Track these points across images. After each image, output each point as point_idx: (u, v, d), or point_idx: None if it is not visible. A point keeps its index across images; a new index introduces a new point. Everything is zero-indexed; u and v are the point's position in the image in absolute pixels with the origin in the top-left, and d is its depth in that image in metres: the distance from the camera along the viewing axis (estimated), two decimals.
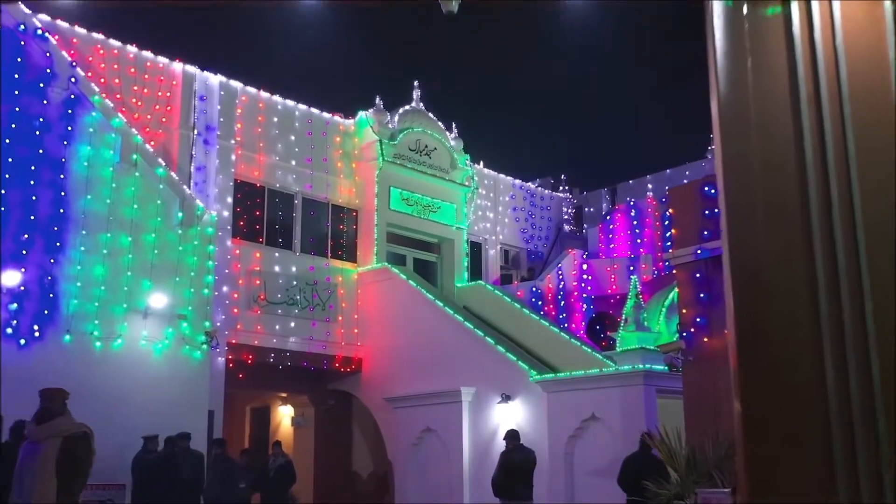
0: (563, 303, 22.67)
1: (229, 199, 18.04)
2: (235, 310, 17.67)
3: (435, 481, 16.97)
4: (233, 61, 36.08)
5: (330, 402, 20.30)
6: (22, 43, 14.72)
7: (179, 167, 17.21)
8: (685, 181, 19.62)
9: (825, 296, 2.50)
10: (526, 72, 49.31)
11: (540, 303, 22.02)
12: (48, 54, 14.94)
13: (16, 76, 14.48)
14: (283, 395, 21.37)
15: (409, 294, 19.12)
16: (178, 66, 17.87)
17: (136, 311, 15.05)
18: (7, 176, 14.01)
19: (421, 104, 22.22)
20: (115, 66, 16.92)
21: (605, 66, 48.10)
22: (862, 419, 2.36)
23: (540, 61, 48.22)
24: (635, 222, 24.38)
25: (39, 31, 15.03)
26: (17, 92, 14.41)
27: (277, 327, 18.39)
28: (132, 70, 17.16)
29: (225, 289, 17.37)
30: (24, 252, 14.01)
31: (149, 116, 17.17)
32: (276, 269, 18.67)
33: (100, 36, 16.88)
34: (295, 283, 18.85)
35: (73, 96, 15.04)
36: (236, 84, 18.76)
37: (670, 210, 13.03)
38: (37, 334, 13.93)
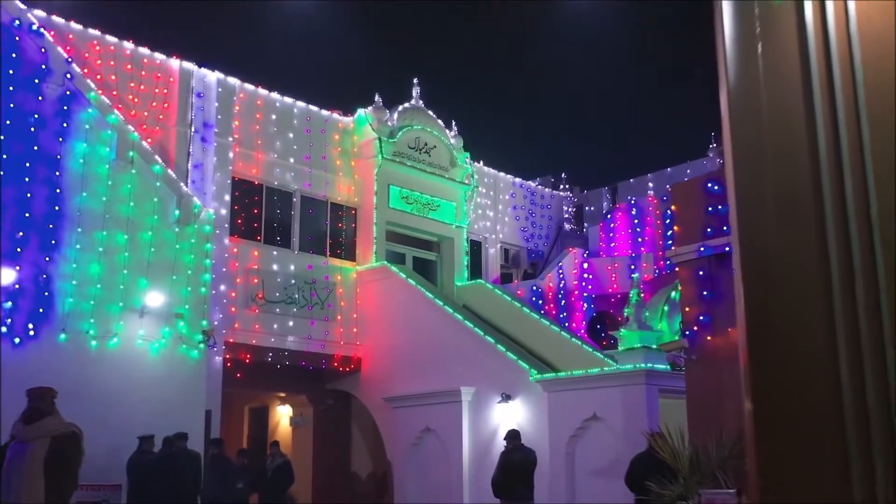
0: (563, 302, 22.56)
1: (227, 197, 17.91)
2: (233, 309, 17.54)
3: (434, 482, 16.88)
4: (231, 58, 35.97)
5: (329, 401, 20.19)
6: (17, 39, 14.58)
7: (177, 165, 17.08)
8: (686, 179, 19.48)
9: (839, 289, 2.41)
10: (526, 70, 49.19)
11: (540, 302, 21.91)
12: (43, 50, 14.81)
13: (10, 72, 14.35)
14: (282, 394, 21.26)
15: (409, 293, 19.01)
16: (175, 63, 17.74)
17: (132, 309, 14.93)
18: (2, 173, 13.88)
19: (420, 102, 22.10)
20: (112, 63, 16.78)
21: (605, 64, 47.98)
22: (878, 417, 2.29)
23: (540, 59, 48.10)
24: (636, 221, 24.26)
25: (35, 27, 14.90)
26: (11, 88, 14.29)
27: (275, 326, 18.26)
28: (129, 66, 17.02)
29: (222, 287, 17.24)
30: (18, 250, 13.90)
31: (145, 113, 17.03)
32: (275, 267, 18.55)
33: (96, 32, 16.75)
34: (293, 281, 18.73)
35: (68, 92, 14.91)
36: (234, 81, 18.62)
37: (673, 207, 12.87)
38: (31, 333, 13.81)
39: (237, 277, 17.78)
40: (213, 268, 16.52)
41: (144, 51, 17.35)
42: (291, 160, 19.38)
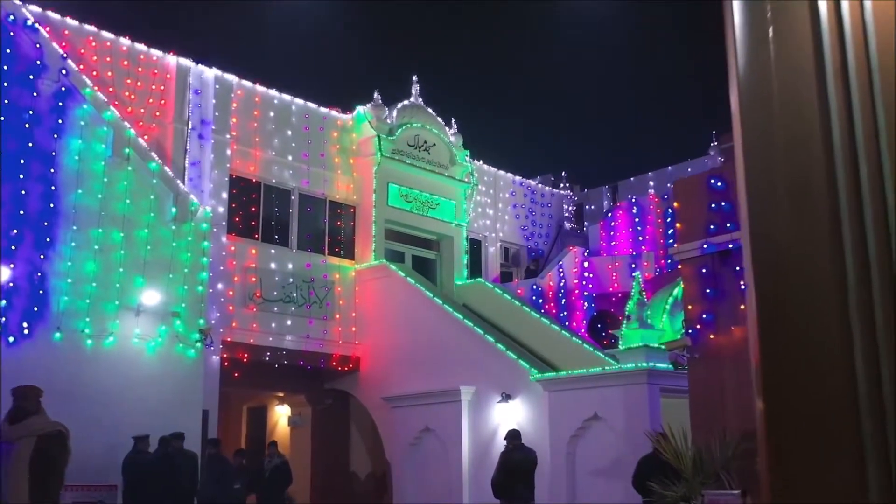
0: (563, 301, 22.43)
1: (224, 195, 17.78)
2: (230, 307, 17.42)
3: (434, 482, 16.79)
4: (228, 55, 35.91)
5: (327, 401, 20.08)
6: (11, 34, 14.43)
7: (173, 162, 16.94)
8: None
9: (854, 281, 2.27)
10: (526, 68, 49.09)
11: (540, 301, 21.78)
12: (38, 46, 14.66)
13: (5, 68, 14.20)
14: (280, 394, 21.13)
15: (408, 292, 18.90)
16: (172, 59, 17.60)
17: (128, 308, 14.79)
18: None
19: (420, 99, 21.96)
20: (108, 59, 16.64)
21: (606, 62, 47.87)
22: (895, 413, 2.12)
23: (541, 57, 47.99)
24: (637, 219, 24.14)
25: (29, 22, 14.74)
26: (6, 84, 14.13)
27: (273, 325, 18.13)
28: (125, 63, 16.88)
29: (220, 286, 17.12)
30: (13, 247, 13.74)
31: (142, 110, 16.88)
32: (273, 266, 18.42)
33: (92, 28, 16.61)
34: (291, 280, 18.60)
35: (63, 89, 14.75)
36: (232, 78, 18.49)
37: (675, 204, 12.72)
38: (26, 332, 13.65)
39: (235, 276, 17.65)
40: (211, 266, 16.37)
41: (141, 47, 17.21)
42: (289, 158, 19.24)
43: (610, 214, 25.25)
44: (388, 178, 20.56)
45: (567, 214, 26.47)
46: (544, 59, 45.85)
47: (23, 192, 13.99)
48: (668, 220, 22.09)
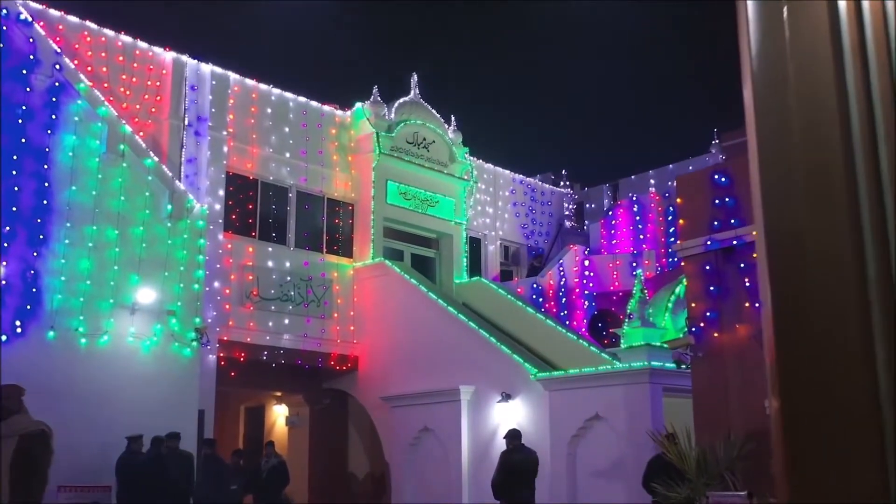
0: (564, 300, 22.26)
1: (221, 192, 17.61)
2: (227, 306, 17.25)
3: (433, 483, 16.69)
4: (225, 51, 35.69)
5: (325, 401, 19.94)
6: (4, 28, 14.23)
7: (169, 159, 16.75)
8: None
9: (875, 276, 2.11)
10: (527, 66, 48.94)
11: (541, 300, 21.62)
12: (32, 40, 14.46)
13: None
14: (278, 394, 20.96)
15: (407, 290, 18.76)
16: (168, 55, 17.41)
17: (122, 306, 14.60)
18: None
19: (419, 96, 21.78)
20: (103, 54, 16.44)
21: (606, 59, 47.71)
22: None
23: (541, 55, 47.86)
24: (638, 218, 23.97)
25: (22, 16, 14.54)
26: None
27: (271, 324, 17.95)
28: (120, 58, 16.69)
29: (216, 284, 16.94)
30: (5, 245, 13.57)
31: (137, 106, 16.70)
32: (270, 264, 18.24)
33: (87, 23, 16.40)
34: (289, 278, 18.43)
35: (57, 84, 14.56)
36: (228, 73, 18.30)
37: (678, 199, 12.55)
38: (19, 330, 13.46)
39: (231, 274, 17.47)
40: (207, 264, 16.21)
41: (137, 42, 17.02)
42: (287, 155, 19.06)
43: (610, 213, 25.08)
44: (386, 176, 20.39)
45: (567, 213, 26.32)
46: (545, 56, 45.71)
47: (16, 188, 13.80)
48: (670, 218, 21.92)
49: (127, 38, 16.89)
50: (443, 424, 16.65)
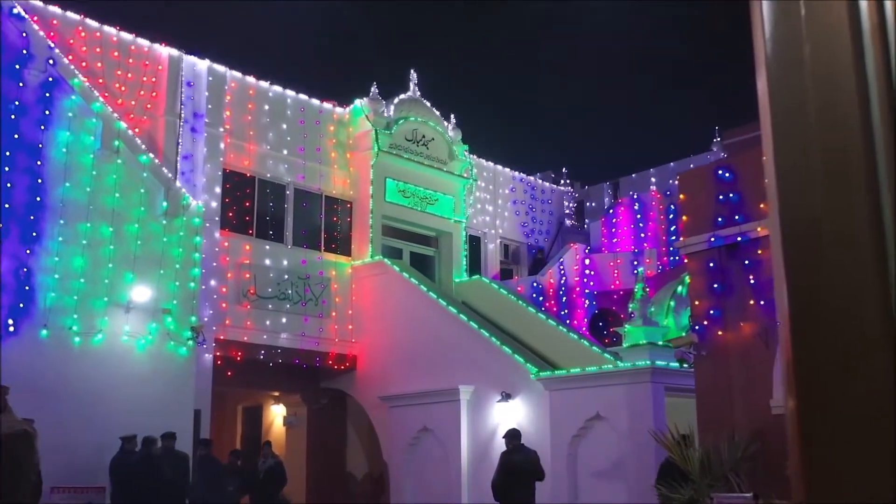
0: (564, 298, 22.07)
1: (217, 190, 17.41)
2: (224, 304, 17.05)
3: (432, 483, 16.54)
4: (222, 46, 35.44)
5: (323, 400, 19.77)
6: None
7: (165, 155, 16.55)
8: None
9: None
10: (527, 64, 48.76)
11: (541, 298, 21.44)
12: (25, 35, 14.26)
13: None
14: (275, 393, 20.78)
15: (406, 289, 18.57)
16: (163, 51, 17.22)
17: (117, 304, 14.41)
18: None
19: (418, 93, 21.58)
20: (98, 50, 16.25)
21: (607, 58, 47.53)
22: None
23: (542, 53, 47.67)
24: (638, 216, 23.79)
25: (15, 11, 14.34)
26: None
27: (268, 323, 17.76)
28: (115, 54, 16.49)
29: (212, 282, 16.75)
30: None
31: (133, 102, 16.50)
32: (267, 262, 18.05)
33: (81, 17, 16.20)
34: (286, 276, 18.23)
35: (51, 79, 14.36)
36: (225, 69, 18.11)
37: (681, 196, 12.34)
38: (11, 329, 13.28)
39: (228, 272, 17.27)
40: (203, 262, 16.02)
41: (132, 38, 16.82)
42: (285, 152, 18.86)
43: (611, 211, 24.90)
44: (385, 173, 20.20)
45: (568, 211, 26.14)
46: (545, 54, 45.50)
47: (8, 184, 13.61)
48: (671, 216, 21.74)
49: (123, 34, 16.71)
50: (442, 424, 16.48)
